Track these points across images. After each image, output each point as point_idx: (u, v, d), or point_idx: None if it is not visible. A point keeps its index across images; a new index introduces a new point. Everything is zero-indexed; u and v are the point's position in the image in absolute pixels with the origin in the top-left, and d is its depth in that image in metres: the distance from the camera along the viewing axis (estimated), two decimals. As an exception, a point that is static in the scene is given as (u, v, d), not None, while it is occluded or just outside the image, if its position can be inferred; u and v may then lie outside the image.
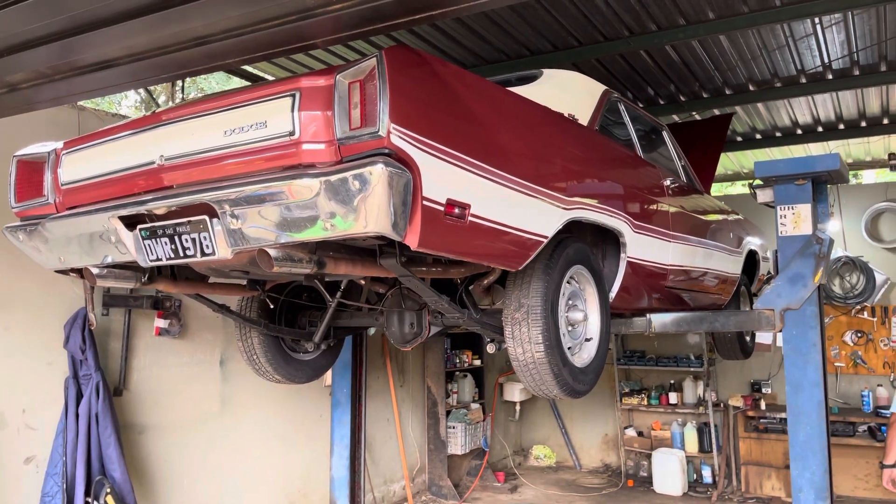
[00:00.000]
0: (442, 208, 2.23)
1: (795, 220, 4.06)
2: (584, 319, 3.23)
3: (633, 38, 5.26)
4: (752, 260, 5.80)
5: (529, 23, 5.15)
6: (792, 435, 4.00)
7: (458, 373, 8.13)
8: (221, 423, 5.26)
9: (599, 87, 3.92)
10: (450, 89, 2.34)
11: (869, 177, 12.62)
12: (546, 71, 3.80)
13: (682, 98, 6.69)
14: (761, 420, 7.92)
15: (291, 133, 2.21)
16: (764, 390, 8.29)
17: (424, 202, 2.14)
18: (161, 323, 4.73)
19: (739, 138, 8.10)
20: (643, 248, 3.62)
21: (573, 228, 3.47)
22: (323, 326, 3.78)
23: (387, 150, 2.05)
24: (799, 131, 7.76)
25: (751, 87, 6.35)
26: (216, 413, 5.22)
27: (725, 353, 5.64)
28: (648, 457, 8.45)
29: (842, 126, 7.52)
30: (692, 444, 8.28)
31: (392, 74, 2.06)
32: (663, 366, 8.70)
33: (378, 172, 1.99)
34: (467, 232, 2.36)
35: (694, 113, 6.84)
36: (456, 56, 5.72)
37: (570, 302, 3.18)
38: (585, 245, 3.23)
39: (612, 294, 3.49)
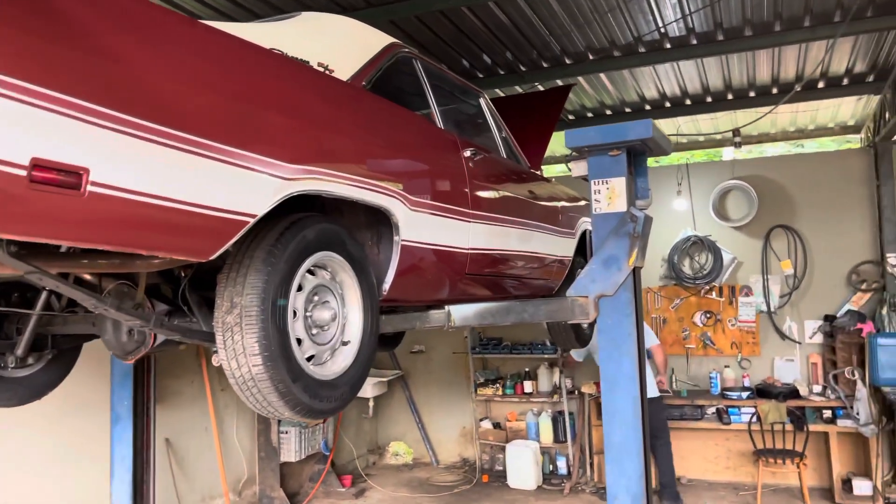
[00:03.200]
0: (24, 173, 1.50)
1: (610, 195, 3.58)
2: (337, 319, 2.59)
3: (450, -9, 4.67)
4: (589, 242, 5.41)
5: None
6: (607, 437, 3.54)
7: (296, 371, 7.38)
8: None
9: (383, 40, 3.28)
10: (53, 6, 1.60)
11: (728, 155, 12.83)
12: (307, 13, 3.12)
13: (523, 68, 6.20)
14: (614, 406, 7.66)
15: None
16: (618, 375, 8.04)
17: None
18: None
19: (590, 114, 7.75)
20: (427, 229, 3.01)
21: (330, 206, 2.83)
22: (26, 335, 2.96)
23: None
24: (647, 107, 7.49)
25: (590, 56, 5.93)
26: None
27: (560, 341, 5.21)
28: (504, 449, 8.05)
29: (688, 101, 7.30)
30: (547, 434, 7.94)
31: None
32: (518, 353, 8.31)
33: None
34: (88, 208, 1.64)
35: (537, 84, 6.36)
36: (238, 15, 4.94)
37: (317, 298, 2.53)
38: (339, 227, 2.58)
39: (386, 285, 2.87)
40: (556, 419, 7.94)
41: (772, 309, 7.63)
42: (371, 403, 8.71)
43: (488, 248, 3.59)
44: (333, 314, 2.56)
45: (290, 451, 6.89)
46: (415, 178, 2.95)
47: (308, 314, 2.48)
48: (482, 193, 3.57)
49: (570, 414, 7.96)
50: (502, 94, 6.44)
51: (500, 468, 8.17)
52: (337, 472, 7.85)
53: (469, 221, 3.39)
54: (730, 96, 7.04)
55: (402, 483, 8.10)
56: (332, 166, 2.40)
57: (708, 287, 7.79)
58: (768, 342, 7.71)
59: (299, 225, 2.38)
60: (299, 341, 2.41)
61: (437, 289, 3.32)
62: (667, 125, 7.99)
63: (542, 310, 3.60)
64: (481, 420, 8.49)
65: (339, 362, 2.59)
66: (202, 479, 6.24)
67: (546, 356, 8.12)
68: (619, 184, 3.56)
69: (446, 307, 3.46)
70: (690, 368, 7.93)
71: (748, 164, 8.05)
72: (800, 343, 7.59)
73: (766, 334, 7.71)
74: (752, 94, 7.03)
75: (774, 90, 6.89)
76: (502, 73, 6.25)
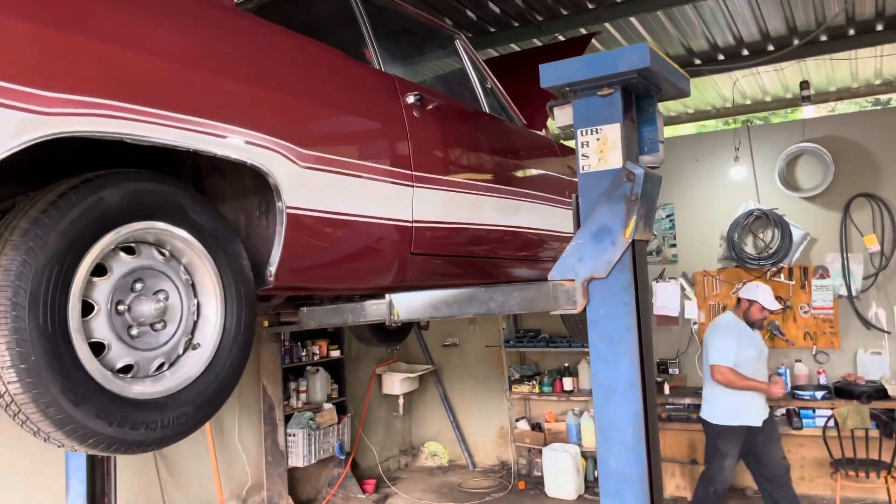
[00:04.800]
0: None
1: (601, 148, 2.72)
2: (179, 315, 1.90)
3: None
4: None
5: None
6: (602, 462, 2.71)
7: (309, 368, 6.80)
8: None
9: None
10: None
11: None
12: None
13: (538, 17, 5.34)
14: (665, 407, 6.72)
15: None
16: (671, 371, 7.08)
17: None
18: None
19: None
20: (332, 193, 2.28)
21: (209, 165, 2.14)
22: None
23: None
24: (697, 61, 6.46)
25: (617, -1, 5.03)
26: None
27: (578, 334, 4.37)
28: (542, 453, 7.22)
29: (745, 52, 6.23)
30: (590, 437, 7.06)
31: None
32: (556, 346, 7.45)
33: None
34: None
35: (558, 35, 5.48)
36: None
37: (141, 286, 1.84)
38: (176, 188, 1.88)
39: (272, 268, 2.15)
40: (600, 420, 7.04)
41: (853, 293, 6.47)
42: (401, 401, 8.07)
43: (446, 220, 2.83)
44: (163, 308, 1.86)
45: (299, 455, 6.30)
46: (308, 124, 2.21)
47: (122, 308, 1.79)
48: (435, 151, 2.80)
49: (617, 414, 7.06)
50: (517, 49, 5.60)
51: (539, 474, 7.35)
52: (359, 477, 7.24)
53: (411, 185, 2.63)
54: (795, 41, 5.93)
55: (431, 489, 7.41)
56: (134, 98, 1.69)
57: (775, 269, 6.70)
58: (850, 332, 6.55)
59: (93, 185, 1.69)
60: (100, 346, 1.73)
61: (365, 273, 2.58)
62: (722, 82, 6.93)
63: (514, 298, 2.79)
64: (518, 420, 7.68)
65: (180, 374, 1.89)
66: (198, 486, 5.74)
67: (587, 349, 7.22)
68: (612, 132, 2.73)
69: (387, 296, 2.71)
70: (756, 363, 6.87)
71: (822, 123, 6.85)
72: (889, 333, 6.40)
73: (846, 323, 6.56)
74: (823, 38, 5.90)
75: (851, 30, 5.75)
76: (516, 24, 5.41)
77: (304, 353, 6.69)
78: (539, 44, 5.63)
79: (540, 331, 7.76)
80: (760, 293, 5.11)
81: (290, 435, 6.32)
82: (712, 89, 7.27)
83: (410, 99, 2.69)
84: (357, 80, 2.49)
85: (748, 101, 7.67)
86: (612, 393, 2.68)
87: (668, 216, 7.25)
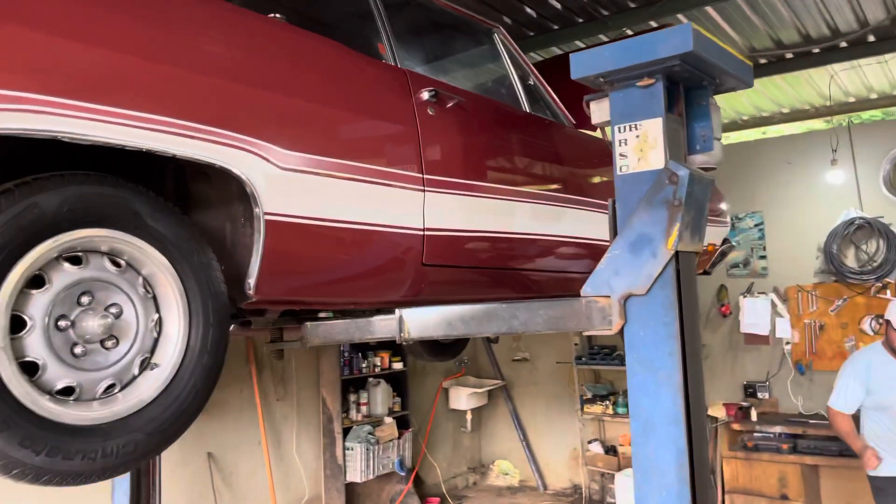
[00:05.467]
0: None
1: (641, 146, 2.37)
2: (133, 331, 1.73)
3: None
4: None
5: None
6: (640, 506, 2.38)
7: (371, 380, 6.65)
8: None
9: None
10: None
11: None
12: None
13: (603, 11, 4.97)
14: (753, 435, 6.11)
15: None
16: (760, 395, 6.46)
17: None
18: None
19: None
20: (323, 198, 2.06)
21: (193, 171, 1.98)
22: None
23: None
24: (789, 54, 5.87)
25: (691, -14, 4.59)
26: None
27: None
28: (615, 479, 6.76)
29: (843, 43, 5.60)
30: (668, 463, 6.52)
31: None
32: (631, 365, 6.94)
33: None
34: None
35: (626, 30, 5.09)
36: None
37: (88, 300, 1.67)
38: (132, 192, 1.71)
39: (252, 281, 1.95)
40: (679, 446, 6.50)
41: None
42: (469, 416, 7.80)
43: (466, 228, 2.56)
44: (111, 324, 1.69)
45: (356, 470, 6.15)
46: (291, 123, 2.00)
47: (65, 323, 1.63)
48: (454, 152, 2.54)
49: (698, 440, 6.51)
50: (584, 47, 5.24)
51: (612, 500, 6.88)
52: (422, 494, 7.02)
53: (422, 190, 2.38)
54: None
55: (496, 510, 7.09)
56: (69, 92, 1.53)
57: (880, 284, 5.97)
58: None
59: (28, 189, 1.54)
60: (33, 366, 1.57)
61: (368, 287, 2.35)
62: (820, 78, 6.28)
63: (539, 315, 2.48)
64: (590, 442, 7.25)
65: (133, 397, 1.72)
66: (254, 498, 5.68)
67: (666, 369, 6.70)
68: (652, 128, 2.39)
69: (397, 311, 2.46)
70: (858, 389, 6.15)
71: (937, 121, 6.10)
72: None
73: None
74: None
75: (969, 14, 5.05)
76: (580, 20, 5.06)
77: (364, 365, 6.55)
78: (606, 40, 5.26)
79: (615, 347, 7.29)
80: None
81: (348, 449, 6.17)
82: (809, 86, 6.61)
83: (425, 95, 2.44)
84: (355, 74, 2.26)
85: (851, 99, 6.94)
86: (651, 427, 2.33)
87: (756, 225, 6.64)
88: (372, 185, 2.19)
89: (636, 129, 2.42)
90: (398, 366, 6.87)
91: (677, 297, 2.26)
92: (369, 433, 6.28)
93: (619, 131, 2.44)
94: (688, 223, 2.29)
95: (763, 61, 5.97)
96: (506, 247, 2.70)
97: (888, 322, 4.15)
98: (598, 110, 2.58)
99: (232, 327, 2.28)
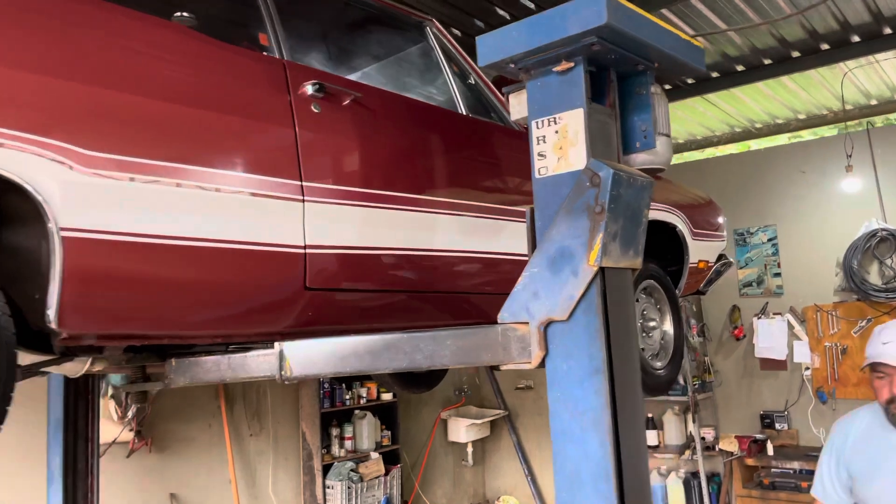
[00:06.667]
0: None
1: (560, 143, 1.97)
2: None
3: None
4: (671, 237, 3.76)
5: None
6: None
7: (357, 412, 6.25)
8: None
9: None
10: None
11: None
12: None
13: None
14: (769, 471, 5.54)
15: None
16: (778, 426, 5.89)
17: None
18: None
19: (716, 74, 5.80)
20: (157, 210, 1.70)
21: None
22: None
23: None
24: (795, 53, 5.38)
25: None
26: None
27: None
28: (622, 518, 6.21)
29: (855, 38, 5.11)
30: (678, 501, 5.99)
31: None
32: (637, 394, 6.43)
33: None
34: None
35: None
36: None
37: None
38: None
39: (51, 312, 1.58)
40: (689, 482, 5.96)
41: None
42: (470, 449, 7.35)
43: (361, 245, 2.18)
44: None
45: (337, 510, 5.74)
46: (100, 118, 1.65)
47: None
48: (345, 156, 2.17)
49: (713, 476, 5.96)
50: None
51: (620, 542, 6.33)
52: (414, 535, 6.57)
53: (300, 200, 2.01)
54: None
55: (496, 552, 6.59)
56: None
57: (908, 302, 5.41)
58: None
59: None
60: None
61: (232, 316, 1.97)
62: (833, 76, 5.77)
63: (448, 347, 2.07)
64: (596, 477, 6.71)
65: None
66: (224, 541, 5.31)
67: (675, 398, 6.17)
68: (573, 121, 2.00)
69: (277, 345, 2.07)
70: (888, 419, 5.54)
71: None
72: None
73: None
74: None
75: None
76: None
77: (348, 397, 6.16)
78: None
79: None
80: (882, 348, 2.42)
81: (328, 487, 5.77)
82: (824, 88, 6.10)
83: (308, 90, 2.08)
84: (201, 62, 1.90)
85: (873, 102, 6.40)
86: (578, 484, 1.91)
87: (769, 240, 6.11)
88: (220, 193, 1.82)
89: (555, 123, 2.02)
90: (387, 396, 6.46)
91: (604, 322, 1.85)
92: (352, 470, 5.87)
93: (537, 127, 2.05)
94: (615, 233, 1.88)
95: (768, 62, 5.50)
96: (415, 266, 2.30)
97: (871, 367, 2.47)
98: (517, 104, 2.20)
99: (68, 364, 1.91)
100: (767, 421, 5.93)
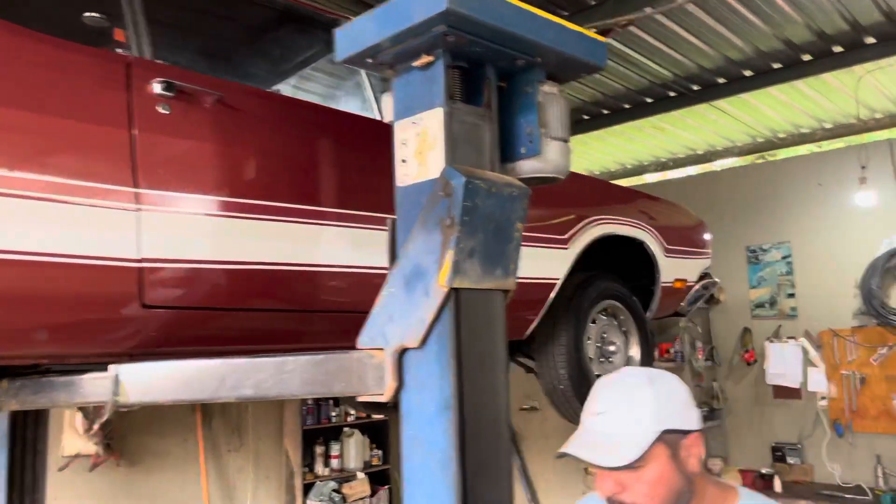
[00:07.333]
0: None
1: (420, 148, 1.75)
2: None
3: None
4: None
5: None
6: None
7: (346, 429, 6.06)
8: None
9: None
10: None
11: None
12: None
13: (563, 12, 4.33)
14: (777, 508, 5.08)
15: None
16: (790, 459, 5.43)
17: None
18: None
19: (722, 79, 5.42)
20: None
21: None
22: None
23: None
24: (806, 56, 4.98)
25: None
26: None
27: (565, 412, 3.22)
28: (622, 552, 5.83)
29: (870, 39, 4.69)
30: (681, 537, 5.57)
31: None
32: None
33: None
34: None
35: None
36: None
37: None
38: None
39: None
40: (692, 518, 5.54)
41: None
42: (471, 471, 7.05)
43: (209, 258, 1.98)
44: None
45: (317, 532, 5.55)
46: None
47: None
48: (195, 160, 1.99)
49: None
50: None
51: (620, 577, 5.94)
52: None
53: (134, 209, 1.83)
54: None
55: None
56: None
57: (934, 329, 4.91)
58: None
59: None
60: None
61: (53, 337, 1.80)
62: (848, 80, 5.32)
63: (295, 376, 1.85)
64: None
65: None
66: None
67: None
68: (433, 123, 1.77)
69: (111, 368, 1.89)
70: (909, 456, 5.03)
71: None
72: None
73: None
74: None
75: None
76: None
77: (335, 413, 5.97)
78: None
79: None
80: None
81: (307, 508, 5.60)
82: (845, 94, 5.65)
83: (155, 88, 1.90)
84: (17, 59, 1.74)
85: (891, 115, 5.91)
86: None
87: (783, 258, 5.67)
88: (44, 202, 1.66)
89: (416, 125, 1.79)
90: (378, 414, 6.25)
91: (455, 351, 1.61)
92: (334, 490, 5.68)
93: (401, 130, 1.82)
94: (472, 250, 1.64)
95: (777, 66, 5.11)
96: (277, 282, 2.08)
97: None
98: (388, 105, 1.97)
99: None
100: (779, 454, 5.47)
